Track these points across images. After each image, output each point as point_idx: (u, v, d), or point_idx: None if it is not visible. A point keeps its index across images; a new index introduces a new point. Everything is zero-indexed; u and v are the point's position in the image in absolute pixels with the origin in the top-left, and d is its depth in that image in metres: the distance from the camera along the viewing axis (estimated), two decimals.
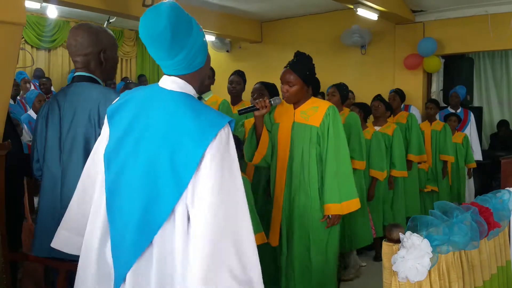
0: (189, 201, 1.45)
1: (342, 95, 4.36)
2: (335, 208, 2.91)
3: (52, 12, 6.85)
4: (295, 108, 3.05)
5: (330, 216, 2.93)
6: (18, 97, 6.55)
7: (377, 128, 4.93)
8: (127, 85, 6.01)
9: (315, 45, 7.42)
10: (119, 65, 9.89)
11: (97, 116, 2.12)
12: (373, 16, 6.63)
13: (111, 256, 1.56)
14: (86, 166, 1.75)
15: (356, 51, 7.71)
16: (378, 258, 4.76)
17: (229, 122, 1.52)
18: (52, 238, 2.04)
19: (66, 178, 2.16)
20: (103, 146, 1.65)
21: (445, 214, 1.92)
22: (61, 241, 1.80)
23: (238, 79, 4.37)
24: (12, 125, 2.91)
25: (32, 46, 8.62)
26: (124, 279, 1.52)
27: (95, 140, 1.96)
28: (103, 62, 2.26)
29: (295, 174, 2.98)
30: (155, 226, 1.48)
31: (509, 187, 2.53)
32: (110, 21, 7.18)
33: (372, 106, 5.01)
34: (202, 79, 1.68)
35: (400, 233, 1.68)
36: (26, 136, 5.09)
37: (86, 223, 1.66)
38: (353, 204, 2.97)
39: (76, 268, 1.93)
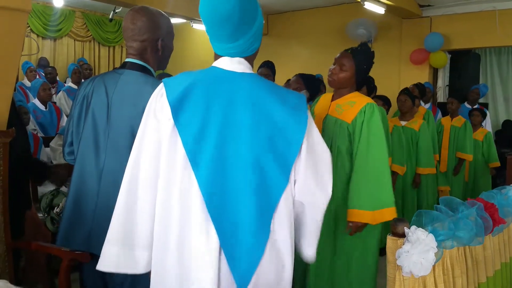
0: (292, 185, 1.49)
1: (368, 88, 4.25)
2: (364, 216, 2.56)
3: (58, 1, 6.85)
4: (332, 100, 2.85)
5: (351, 224, 2.60)
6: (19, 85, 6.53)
7: (403, 122, 4.84)
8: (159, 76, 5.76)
9: (321, 39, 7.40)
10: (124, 55, 9.89)
11: None
12: (380, 10, 6.59)
13: (228, 264, 1.42)
14: (137, 166, 1.51)
15: None
16: (381, 252, 4.74)
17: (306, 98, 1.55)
18: (83, 230, 1.97)
19: (108, 170, 1.96)
20: (158, 141, 1.48)
21: (451, 210, 1.91)
22: (113, 260, 1.52)
23: (267, 72, 4.14)
24: (17, 113, 2.91)
25: (37, 35, 8.62)
26: (249, 283, 1.43)
27: None
28: (160, 50, 2.08)
29: None
30: (269, 217, 1.44)
31: None
32: (116, 11, 7.17)
33: (398, 100, 4.88)
34: (252, 63, 1.59)
35: (405, 228, 1.67)
36: (30, 125, 5.09)
37: (140, 232, 1.50)
38: (388, 213, 2.58)
39: (79, 257, 1.93)
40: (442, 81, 7.56)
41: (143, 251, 1.51)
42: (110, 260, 1.52)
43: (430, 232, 1.66)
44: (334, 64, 2.78)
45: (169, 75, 4.24)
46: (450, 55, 7.38)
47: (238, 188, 1.43)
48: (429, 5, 7.10)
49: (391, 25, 7.43)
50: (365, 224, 2.60)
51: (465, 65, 7.29)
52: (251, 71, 1.53)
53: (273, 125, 1.44)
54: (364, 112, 2.67)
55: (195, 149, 1.42)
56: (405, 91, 4.93)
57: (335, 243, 2.78)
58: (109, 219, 1.61)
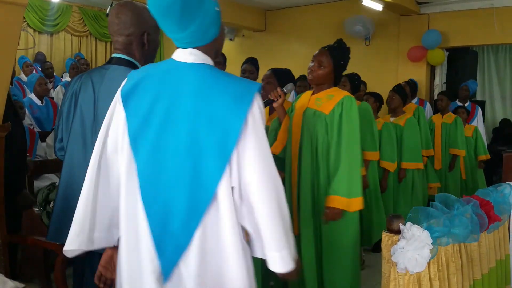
0: (233, 175, 1.44)
1: (353, 85, 4.25)
2: (342, 202, 2.68)
3: None
4: (312, 94, 2.97)
5: (328, 209, 2.71)
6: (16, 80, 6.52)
7: (392, 119, 4.85)
8: None
9: (319, 35, 7.38)
10: None
11: None
12: (378, 7, 6.59)
13: (153, 246, 1.46)
14: (95, 158, 1.60)
15: (360, 42, 7.67)
16: (376, 249, 4.76)
17: (258, 88, 1.50)
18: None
19: None
20: (115, 132, 1.55)
21: (447, 207, 1.91)
22: (76, 241, 1.61)
23: (251, 68, 4.22)
24: (13, 108, 2.90)
25: (34, 30, 8.57)
26: (173, 269, 1.45)
27: None
28: (146, 44, 2.09)
29: (305, 161, 2.86)
30: (202, 207, 1.43)
31: (511, 181, 2.52)
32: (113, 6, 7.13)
33: (388, 96, 4.91)
34: (217, 51, 1.61)
35: (400, 224, 1.67)
36: (27, 120, 5.08)
37: (98, 215, 1.59)
38: (359, 203, 2.74)
39: None
40: (440, 78, 7.56)
41: (99, 232, 1.60)
42: (73, 241, 1.60)
43: (426, 228, 1.66)
44: (312, 62, 2.88)
45: None
46: (448, 53, 7.38)
47: (172, 175, 1.46)
48: (427, 2, 7.10)
49: (389, 22, 7.42)
50: (342, 211, 2.71)
51: (462, 62, 7.29)
52: (205, 62, 1.53)
53: (212, 115, 1.43)
54: (342, 104, 2.79)
55: (137, 136, 1.49)
56: (394, 88, 4.95)
57: (318, 233, 2.86)
58: None
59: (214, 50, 1.58)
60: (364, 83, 6.14)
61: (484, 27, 6.59)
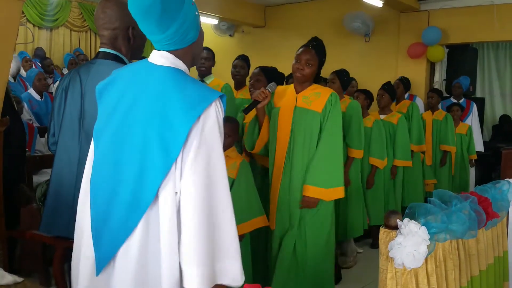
0: (177, 180, 1.41)
1: (342, 82, 4.30)
2: (320, 192, 2.87)
3: None
4: (297, 93, 3.03)
5: (306, 197, 2.89)
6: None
7: (382, 116, 4.88)
8: None
9: (319, 32, 7.26)
10: None
11: None
12: (378, 3, 6.58)
13: (92, 241, 1.49)
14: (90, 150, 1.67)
15: (360, 39, 7.66)
16: (375, 245, 4.77)
17: (220, 97, 1.48)
18: (64, 216, 2.03)
19: (85, 158, 1.97)
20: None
21: (444, 203, 1.91)
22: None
23: (242, 64, 4.33)
24: (11, 103, 2.90)
25: (34, 25, 8.56)
26: (107, 263, 1.47)
27: None
28: (131, 38, 2.12)
29: (297, 159, 2.95)
30: (143, 206, 1.42)
31: (509, 178, 2.52)
32: None
33: (377, 95, 4.94)
34: (195, 55, 1.63)
35: (398, 220, 1.67)
36: (26, 115, 5.08)
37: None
38: (338, 192, 2.93)
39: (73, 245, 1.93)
40: (439, 75, 7.55)
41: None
42: None
43: (423, 224, 1.66)
44: (297, 61, 2.97)
45: None
46: (448, 49, 7.37)
47: (121, 172, 1.48)
48: None
49: (389, 18, 7.41)
50: (318, 200, 2.89)
51: (462, 59, 7.28)
52: (175, 65, 1.53)
53: (164, 117, 1.43)
54: (331, 101, 2.95)
55: (100, 131, 1.56)
56: (383, 86, 4.98)
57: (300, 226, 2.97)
58: None
59: (191, 55, 1.60)
60: (355, 80, 6.15)
61: (484, 24, 6.58)
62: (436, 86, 7.36)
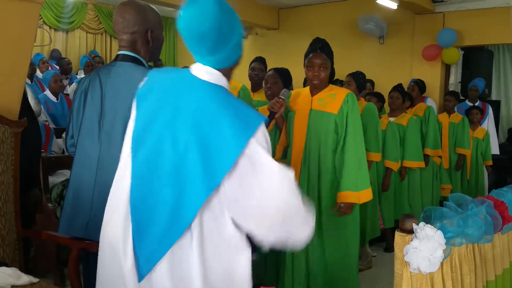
0: (223, 201, 1.41)
1: (358, 84, 4.27)
2: (352, 196, 2.84)
3: None
4: (312, 95, 3.00)
5: (342, 205, 2.86)
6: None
7: (391, 118, 4.86)
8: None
9: (333, 34, 7.28)
10: None
11: None
12: (393, 5, 6.55)
13: (132, 248, 1.46)
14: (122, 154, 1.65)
15: (374, 41, 7.63)
16: (388, 249, 4.74)
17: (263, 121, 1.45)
18: (82, 218, 2.05)
19: (104, 159, 2.05)
20: (130, 130, 1.58)
21: (460, 207, 1.90)
22: None
23: (260, 66, 4.34)
24: (28, 104, 2.94)
25: (50, 27, 8.66)
26: (148, 272, 1.44)
27: None
28: (150, 41, 2.15)
29: (313, 162, 2.92)
30: (180, 228, 1.41)
31: None
32: None
33: (390, 96, 4.90)
34: (231, 72, 1.62)
35: (413, 224, 1.66)
36: (42, 116, 5.13)
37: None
38: (367, 194, 2.93)
39: (88, 246, 1.95)
40: (455, 77, 7.49)
41: None
42: None
43: (439, 229, 1.65)
44: (309, 68, 2.91)
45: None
46: (463, 51, 7.31)
47: (162, 185, 1.45)
48: (442, 1, 7.03)
49: (404, 20, 7.37)
50: (353, 205, 2.87)
51: (477, 61, 7.22)
52: (220, 83, 1.52)
53: (209, 140, 1.40)
54: (348, 102, 2.89)
55: (138, 139, 1.52)
56: (397, 88, 4.92)
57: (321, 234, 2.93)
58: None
59: (232, 73, 1.60)
60: (372, 82, 6.10)
61: (500, 26, 6.51)
62: (451, 88, 7.30)
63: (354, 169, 2.86)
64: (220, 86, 1.51)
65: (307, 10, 8.35)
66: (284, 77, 3.67)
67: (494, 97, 7.90)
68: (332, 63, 2.97)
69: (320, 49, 2.91)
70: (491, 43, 7.19)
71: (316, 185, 2.92)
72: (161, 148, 1.47)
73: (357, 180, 2.86)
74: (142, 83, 1.60)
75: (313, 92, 3.01)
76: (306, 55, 2.95)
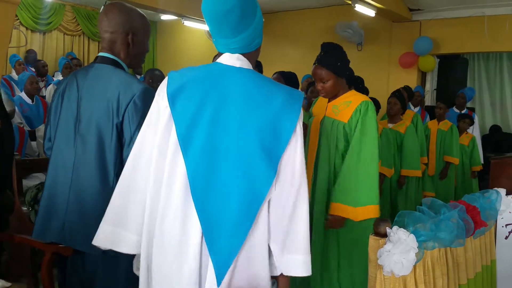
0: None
1: (356, 89, 4.22)
2: (347, 211, 2.62)
3: None
4: (329, 102, 2.89)
5: (329, 217, 2.69)
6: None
7: (390, 125, 4.85)
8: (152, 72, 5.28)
9: (313, 39, 7.39)
10: None
11: (116, 105, 1.93)
12: (371, 13, 6.63)
13: (207, 249, 1.45)
14: (133, 155, 1.60)
15: (352, 48, 7.70)
16: None
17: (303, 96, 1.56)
18: (57, 222, 2.00)
19: (79, 163, 2.00)
20: (154, 132, 1.55)
21: (433, 211, 1.93)
22: (106, 238, 1.59)
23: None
24: (2, 106, 2.89)
25: (27, 28, 8.52)
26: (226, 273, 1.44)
27: (110, 129, 1.90)
28: (130, 44, 2.09)
29: (322, 171, 2.81)
30: (254, 211, 1.46)
31: (498, 187, 2.54)
32: None
33: (388, 102, 4.90)
34: (256, 59, 1.68)
35: (387, 228, 1.68)
36: (16, 118, 5.05)
37: (132, 217, 1.57)
38: (370, 211, 2.63)
39: (62, 250, 1.92)
40: (430, 84, 7.63)
41: (132, 235, 1.59)
42: (104, 238, 1.60)
43: (412, 232, 1.67)
44: (315, 81, 2.84)
45: (160, 71, 4.22)
46: (439, 59, 7.45)
47: (224, 179, 1.47)
48: (419, 9, 7.16)
49: (381, 28, 7.48)
50: (344, 219, 2.66)
51: (453, 69, 7.36)
52: (250, 67, 1.58)
53: (261, 121, 1.47)
54: (359, 111, 2.73)
55: (186, 136, 1.49)
56: (396, 94, 4.92)
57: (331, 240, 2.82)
58: (81, 211, 1.89)
59: (254, 59, 1.64)
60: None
61: (475, 35, 6.67)
62: (427, 95, 7.41)
63: (350, 181, 2.65)
64: (253, 70, 1.57)
65: (286, 16, 8.40)
66: (289, 81, 3.55)
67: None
68: (341, 71, 2.77)
69: (318, 60, 2.78)
70: (466, 51, 7.34)
71: (324, 195, 2.80)
72: (216, 140, 1.49)
73: (357, 194, 2.63)
74: (164, 84, 1.58)
75: (331, 98, 2.89)
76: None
